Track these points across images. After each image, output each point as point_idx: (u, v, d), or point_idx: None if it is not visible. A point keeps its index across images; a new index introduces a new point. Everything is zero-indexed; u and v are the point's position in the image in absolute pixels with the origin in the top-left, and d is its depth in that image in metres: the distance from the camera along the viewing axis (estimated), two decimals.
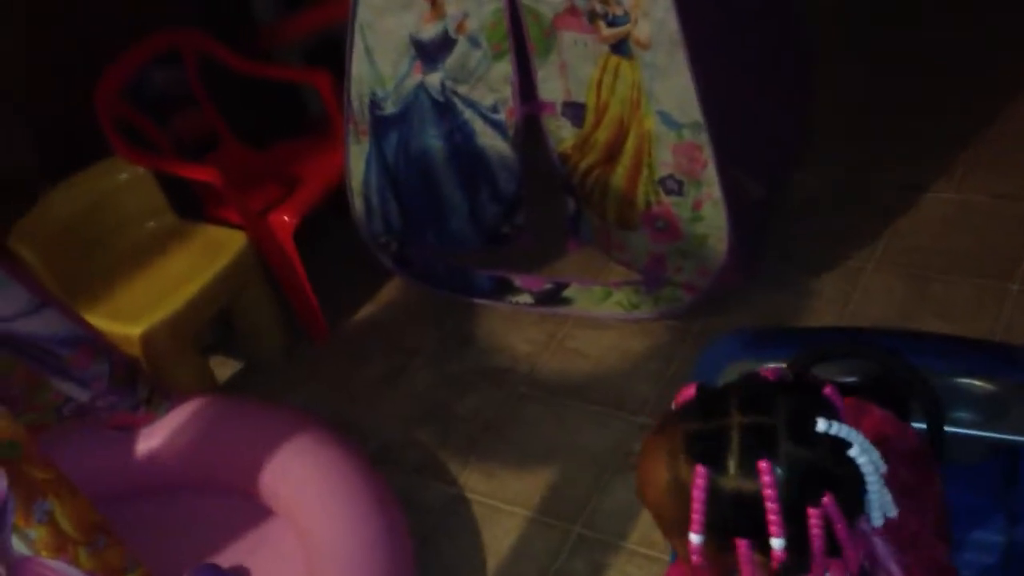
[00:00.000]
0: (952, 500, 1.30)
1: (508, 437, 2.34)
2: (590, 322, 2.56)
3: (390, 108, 2.54)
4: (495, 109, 2.46)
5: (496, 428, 2.37)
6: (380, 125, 2.57)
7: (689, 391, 1.06)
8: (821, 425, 0.97)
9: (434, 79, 2.46)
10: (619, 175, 2.37)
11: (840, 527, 0.96)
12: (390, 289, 2.85)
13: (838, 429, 0.97)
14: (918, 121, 2.89)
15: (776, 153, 2.60)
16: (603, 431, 2.29)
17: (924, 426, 1.37)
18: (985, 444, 1.46)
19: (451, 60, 2.41)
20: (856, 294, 2.40)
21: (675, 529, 1.02)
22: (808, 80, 2.72)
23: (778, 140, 2.60)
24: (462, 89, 2.45)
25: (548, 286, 2.64)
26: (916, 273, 2.43)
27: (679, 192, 2.29)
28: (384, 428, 2.44)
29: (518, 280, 2.68)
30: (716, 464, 0.97)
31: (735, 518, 0.97)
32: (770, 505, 0.95)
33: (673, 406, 1.06)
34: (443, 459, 2.32)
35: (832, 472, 0.96)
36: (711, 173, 2.22)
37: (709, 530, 0.98)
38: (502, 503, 2.19)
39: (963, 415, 1.44)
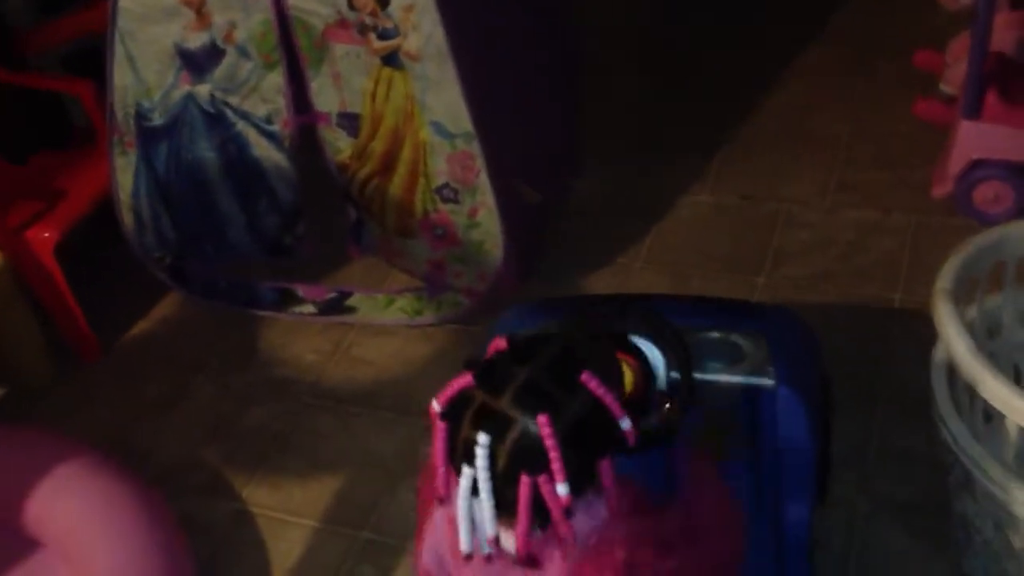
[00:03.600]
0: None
1: (294, 448, 2.33)
2: (374, 329, 2.59)
3: (157, 119, 2.46)
4: (269, 120, 2.44)
5: (282, 440, 2.35)
6: (148, 136, 2.49)
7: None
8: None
9: (203, 90, 2.41)
10: (396, 184, 2.42)
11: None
12: (167, 305, 2.76)
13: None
14: (674, 128, 3.11)
15: (549, 159, 2.73)
16: (390, 436, 2.32)
17: (677, 374, 1.53)
18: (730, 389, 1.65)
19: (220, 71, 2.37)
20: (626, 291, 2.55)
21: None
22: (577, 88, 2.86)
23: (551, 147, 2.73)
24: (233, 100, 2.42)
25: (331, 295, 2.64)
26: (678, 270, 2.62)
27: (455, 200, 2.36)
28: (164, 449, 2.37)
29: (301, 290, 2.66)
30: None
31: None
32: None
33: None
34: (228, 476, 2.28)
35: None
36: (484, 182, 2.30)
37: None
38: (288, 515, 2.18)
39: (711, 363, 1.63)
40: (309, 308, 2.63)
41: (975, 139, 2.52)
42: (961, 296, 1.67)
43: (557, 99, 2.69)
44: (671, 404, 1.51)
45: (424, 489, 1.29)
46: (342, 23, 2.24)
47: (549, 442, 1.06)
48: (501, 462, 1.08)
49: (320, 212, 2.67)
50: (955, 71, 2.91)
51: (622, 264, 2.66)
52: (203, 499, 2.23)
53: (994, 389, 1.46)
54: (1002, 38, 2.59)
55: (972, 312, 1.73)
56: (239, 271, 2.73)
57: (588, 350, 1.18)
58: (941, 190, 2.62)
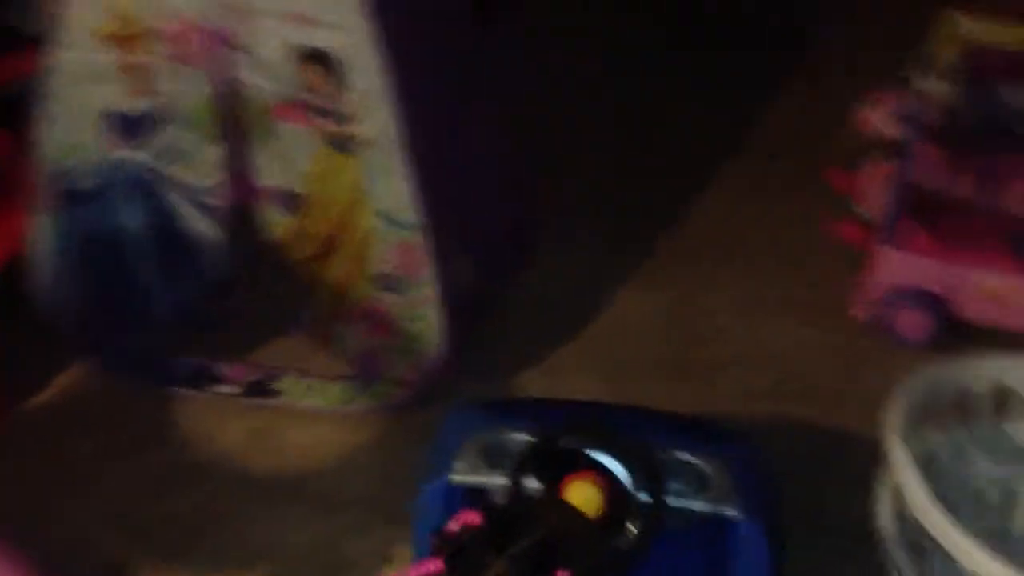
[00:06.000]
0: (660, 565, 1.51)
1: (211, 541, 2.20)
2: (302, 415, 2.48)
3: (83, 182, 2.33)
4: (205, 193, 2.34)
5: (197, 531, 2.21)
6: (71, 199, 2.35)
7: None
8: None
9: (138, 157, 2.30)
10: (335, 268, 2.34)
11: None
12: (73, 375, 2.59)
13: None
14: (619, 225, 3.12)
15: (497, 249, 2.69)
16: (316, 531, 2.21)
17: (648, 496, 1.53)
18: (690, 514, 1.62)
19: (158, 139, 2.27)
20: (559, 392, 2.52)
21: None
22: (531, 180, 2.84)
23: (499, 236, 2.70)
24: (168, 170, 2.31)
25: (257, 376, 2.53)
26: (614, 375, 2.60)
27: (396, 290, 2.30)
28: (64, 536, 2.20)
29: (224, 369, 2.54)
30: None
31: None
32: None
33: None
34: (134, 570, 2.13)
35: None
36: (429, 274, 2.25)
37: None
38: None
39: (675, 486, 1.60)
40: (232, 388, 2.51)
41: (894, 266, 2.61)
42: (907, 431, 1.70)
43: (510, 189, 2.67)
44: (640, 528, 1.49)
45: None
46: (293, 102, 2.17)
47: None
48: None
49: (250, 290, 2.57)
50: (870, 194, 3.00)
51: (553, 364, 2.63)
52: None
53: (954, 539, 1.49)
54: (922, 172, 2.69)
55: (913, 448, 1.77)
56: (158, 345, 2.59)
57: (566, 529, 1.13)
58: (862, 312, 2.68)
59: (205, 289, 2.49)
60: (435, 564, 1.08)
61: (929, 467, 1.86)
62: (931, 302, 2.58)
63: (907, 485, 1.57)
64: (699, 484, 1.64)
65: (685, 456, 1.66)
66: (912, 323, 2.61)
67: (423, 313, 2.30)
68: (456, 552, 1.08)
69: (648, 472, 1.53)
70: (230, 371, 2.53)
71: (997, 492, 1.93)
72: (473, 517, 1.12)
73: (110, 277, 2.47)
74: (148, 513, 2.25)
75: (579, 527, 1.22)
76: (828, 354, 2.65)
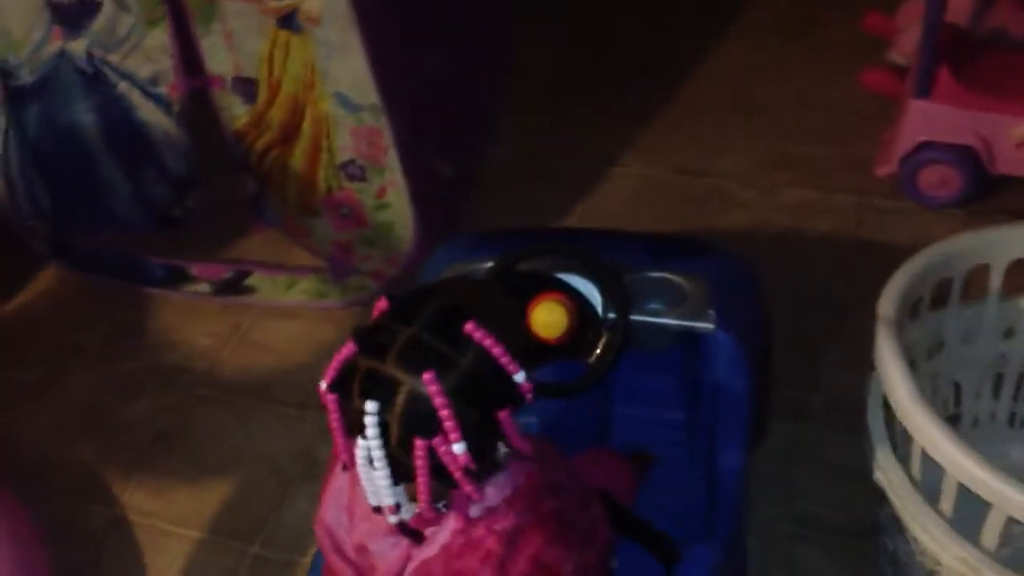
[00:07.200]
0: (641, 384, 1.55)
1: (180, 446, 2.13)
2: (276, 312, 2.38)
3: (26, 77, 2.21)
4: (155, 82, 2.19)
5: (167, 436, 2.15)
6: (16, 97, 2.23)
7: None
8: None
9: (78, 46, 2.15)
10: (298, 157, 2.20)
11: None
12: (45, 279, 2.51)
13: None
14: (602, 98, 2.91)
15: (466, 129, 2.52)
16: (288, 435, 2.13)
17: (614, 315, 1.48)
18: (667, 331, 1.58)
19: (97, 25, 2.12)
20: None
21: None
22: (501, 55, 2.64)
23: (468, 115, 2.52)
24: (113, 59, 2.17)
25: (228, 274, 2.42)
26: None
27: (362, 178, 2.15)
28: (33, 443, 2.15)
29: (194, 268, 2.43)
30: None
31: None
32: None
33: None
34: (105, 477, 2.08)
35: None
36: (393, 159, 2.09)
37: None
38: (170, 524, 1.99)
39: (651, 304, 1.57)
40: (203, 287, 2.41)
41: (924, 120, 2.37)
42: (904, 316, 1.53)
43: (479, 64, 2.47)
44: (605, 345, 1.45)
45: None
46: None
47: (438, 400, 0.99)
48: (394, 429, 1.01)
49: (215, 183, 2.43)
50: (906, 39, 2.73)
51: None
52: (75, 503, 2.03)
53: (937, 443, 1.33)
54: (956, 8, 2.41)
55: (914, 332, 1.60)
56: (127, 245, 2.49)
57: (476, 301, 1.09)
58: (886, 170, 2.47)
59: (168, 184, 2.37)
60: (348, 348, 1.05)
61: (937, 351, 1.70)
62: (960, 158, 2.34)
63: (890, 379, 1.41)
64: (673, 299, 1.58)
65: (661, 274, 1.61)
66: (938, 180, 2.38)
67: (391, 201, 2.15)
68: (367, 332, 1.05)
69: (614, 290, 1.46)
70: (201, 270, 2.43)
71: (1015, 371, 1.75)
72: (381, 304, 1.09)
73: (70, 176, 2.36)
74: (118, 420, 2.19)
75: (482, 291, 1.19)
76: (846, 218, 2.44)
